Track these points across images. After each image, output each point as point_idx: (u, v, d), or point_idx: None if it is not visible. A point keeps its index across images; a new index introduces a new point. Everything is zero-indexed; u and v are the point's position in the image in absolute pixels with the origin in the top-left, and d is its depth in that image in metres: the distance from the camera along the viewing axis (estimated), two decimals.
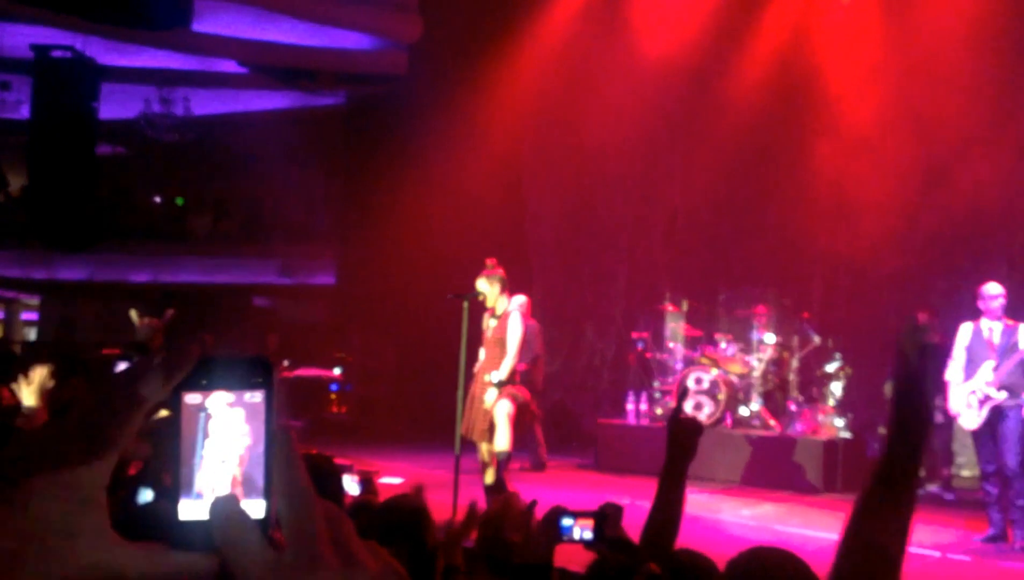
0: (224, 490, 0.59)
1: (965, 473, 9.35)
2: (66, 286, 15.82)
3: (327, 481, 3.01)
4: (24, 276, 15.91)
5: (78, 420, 0.57)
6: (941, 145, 9.22)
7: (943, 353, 8.03)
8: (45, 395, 3.41)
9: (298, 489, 0.58)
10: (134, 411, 0.58)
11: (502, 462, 6.35)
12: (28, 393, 3.40)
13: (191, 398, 0.60)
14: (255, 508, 0.58)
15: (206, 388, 0.61)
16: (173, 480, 0.60)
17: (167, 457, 0.61)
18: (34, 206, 13.59)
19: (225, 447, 0.60)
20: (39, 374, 3.41)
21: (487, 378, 6.53)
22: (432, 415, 10.06)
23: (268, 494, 0.59)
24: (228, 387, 0.61)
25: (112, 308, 15.31)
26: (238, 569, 0.56)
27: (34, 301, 18.30)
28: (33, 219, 13.60)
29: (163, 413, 0.61)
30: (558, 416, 11.75)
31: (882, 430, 9.13)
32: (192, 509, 0.59)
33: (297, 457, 0.59)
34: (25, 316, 19.81)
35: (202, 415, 0.60)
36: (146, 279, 15.49)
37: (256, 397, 0.61)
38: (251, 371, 0.61)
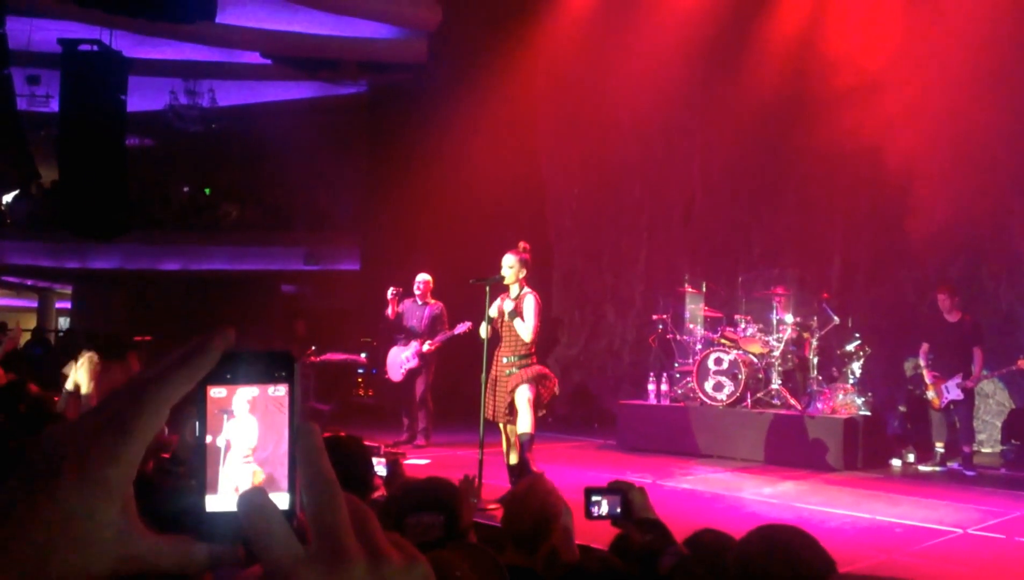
0: (249, 483, 0.60)
1: (986, 450, 9.41)
2: (98, 275, 16.12)
3: (358, 463, 3.16)
4: (57, 266, 16.23)
5: (107, 414, 0.57)
6: (963, 124, 9.20)
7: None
8: (96, 379, 3.48)
9: (323, 482, 0.57)
10: (161, 405, 0.58)
11: (525, 444, 6.47)
12: (77, 376, 3.48)
13: (216, 392, 0.61)
14: (279, 501, 0.59)
15: (230, 382, 0.61)
16: (198, 472, 0.60)
17: (192, 449, 0.62)
18: (65, 197, 13.83)
19: (249, 440, 0.60)
20: (89, 359, 3.49)
21: (505, 360, 6.65)
22: (457, 398, 10.23)
23: (292, 487, 0.60)
24: (252, 381, 0.61)
25: (143, 296, 15.61)
26: (266, 561, 0.56)
27: (67, 290, 18.63)
28: (64, 210, 13.84)
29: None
30: (579, 397, 11.90)
31: (902, 408, 9.22)
32: (218, 501, 0.60)
33: (321, 450, 0.59)
34: (59, 305, 20.20)
35: (226, 408, 0.61)
36: (176, 268, 15.76)
37: (280, 390, 0.61)
38: (274, 365, 0.62)
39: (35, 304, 20.21)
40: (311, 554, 0.56)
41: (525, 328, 6.49)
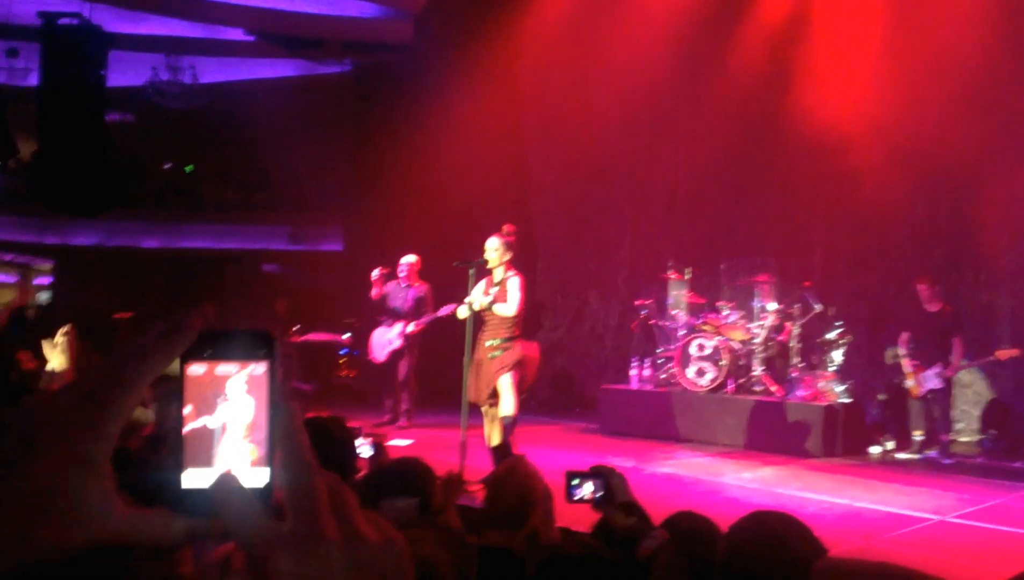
0: (227, 460, 0.59)
1: (963, 439, 9.50)
2: (79, 251, 15.98)
3: (341, 443, 3.15)
4: (37, 241, 16.07)
5: (84, 388, 0.57)
6: (943, 115, 9.24)
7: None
8: (72, 356, 3.46)
9: (300, 461, 0.58)
10: (140, 382, 0.58)
11: (507, 426, 6.49)
12: (55, 355, 3.45)
13: (195, 368, 0.60)
14: (259, 477, 0.59)
15: (210, 359, 0.61)
16: (176, 448, 0.60)
17: (171, 426, 0.62)
18: (44, 173, 13.67)
19: (228, 417, 0.60)
20: (64, 335, 3.45)
21: (488, 344, 6.65)
22: (440, 381, 10.23)
23: (271, 464, 0.59)
24: (232, 358, 0.61)
25: (124, 274, 15.49)
26: (239, 540, 0.56)
27: (47, 266, 18.46)
28: (43, 185, 13.69)
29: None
30: (562, 382, 11.92)
31: (881, 396, 9.29)
32: (195, 477, 0.59)
33: (300, 429, 0.59)
34: (38, 281, 20.02)
35: (205, 385, 0.60)
36: (157, 245, 15.64)
37: (260, 368, 0.61)
38: (254, 342, 0.61)
39: (15, 279, 20.02)
40: (286, 533, 0.56)
41: (508, 307, 6.50)
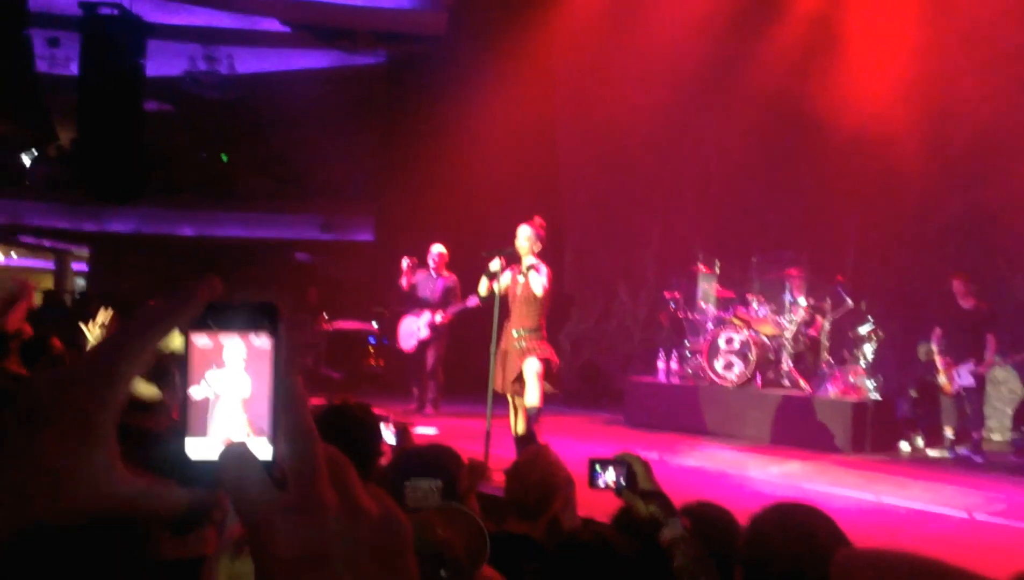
0: (230, 431, 0.60)
1: (996, 437, 9.39)
2: (115, 238, 16.23)
3: (366, 428, 3.20)
4: (74, 228, 16.34)
5: (89, 358, 0.58)
6: (980, 109, 9.10)
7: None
8: None
9: (301, 432, 0.58)
10: (143, 350, 0.58)
11: (532, 416, 6.52)
12: (94, 338, 3.53)
13: (199, 340, 0.60)
14: (261, 449, 0.59)
15: (214, 330, 0.61)
16: (180, 420, 0.60)
17: (175, 397, 0.63)
18: (82, 160, 13.90)
19: (232, 389, 0.60)
20: (105, 318, 3.52)
21: (515, 334, 6.68)
22: (466, 370, 10.28)
23: (274, 436, 0.59)
24: (236, 330, 0.61)
25: (159, 261, 15.72)
26: (242, 509, 0.57)
27: (84, 253, 18.77)
28: (81, 172, 13.92)
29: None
30: (589, 373, 11.93)
31: (913, 393, 9.20)
32: (199, 448, 0.60)
33: (302, 401, 0.59)
34: (75, 267, 20.36)
35: (209, 357, 0.60)
36: (191, 233, 15.85)
37: (263, 341, 0.61)
38: (259, 315, 0.61)
39: (52, 265, 20.38)
40: (287, 503, 0.57)
41: (538, 281, 6.52)
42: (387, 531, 0.58)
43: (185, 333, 0.60)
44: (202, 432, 0.60)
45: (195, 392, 0.60)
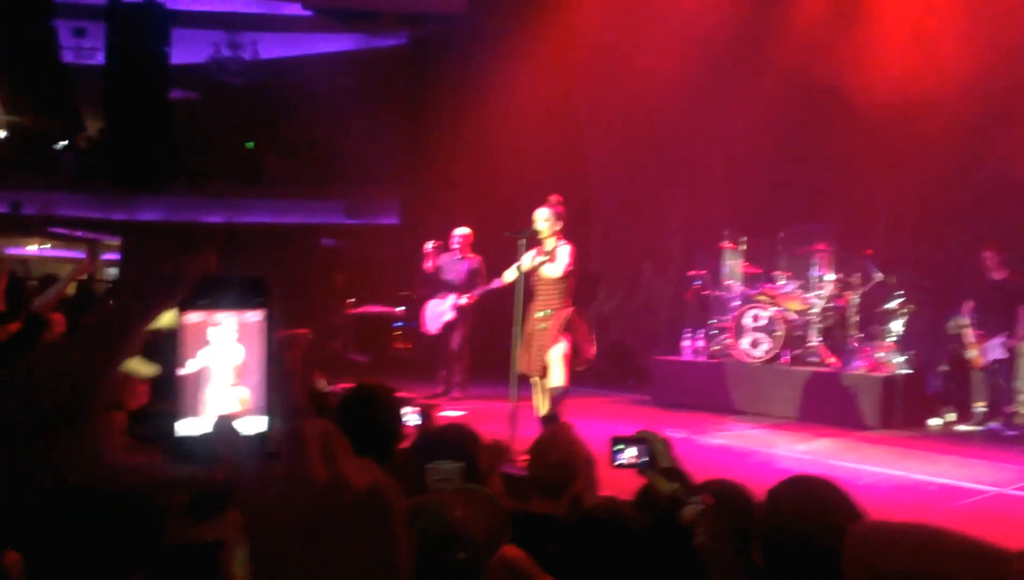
0: (224, 407, 0.63)
1: None
2: (144, 227, 16.42)
3: (388, 410, 3.22)
4: (104, 217, 16.55)
5: (87, 333, 0.56)
6: (1011, 78, 8.92)
7: None
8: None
9: (290, 406, 0.64)
10: (139, 322, 0.56)
11: (556, 397, 6.53)
12: None
13: (192, 317, 0.57)
14: (254, 423, 0.63)
15: (207, 307, 0.57)
16: (173, 397, 0.59)
17: (168, 374, 0.63)
18: (110, 149, 14.06)
19: (225, 365, 0.64)
20: None
21: (539, 314, 6.68)
22: (492, 352, 10.29)
23: (266, 410, 0.64)
24: (229, 306, 0.57)
25: (187, 248, 15.87)
26: (233, 479, 0.57)
27: (115, 242, 19.01)
28: (109, 161, 14.07)
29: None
30: (615, 353, 11.90)
31: (944, 367, 9.08)
32: (192, 424, 0.58)
33: (292, 375, 0.64)
34: (106, 257, 20.63)
35: (202, 333, 0.64)
36: (219, 220, 15.99)
37: (256, 316, 0.57)
38: (251, 291, 0.57)
39: (84, 256, 20.67)
40: (276, 473, 0.58)
41: (555, 267, 6.51)
42: (373, 504, 0.60)
43: (179, 311, 0.61)
44: (195, 409, 0.61)
45: (187, 369, 0.61)
